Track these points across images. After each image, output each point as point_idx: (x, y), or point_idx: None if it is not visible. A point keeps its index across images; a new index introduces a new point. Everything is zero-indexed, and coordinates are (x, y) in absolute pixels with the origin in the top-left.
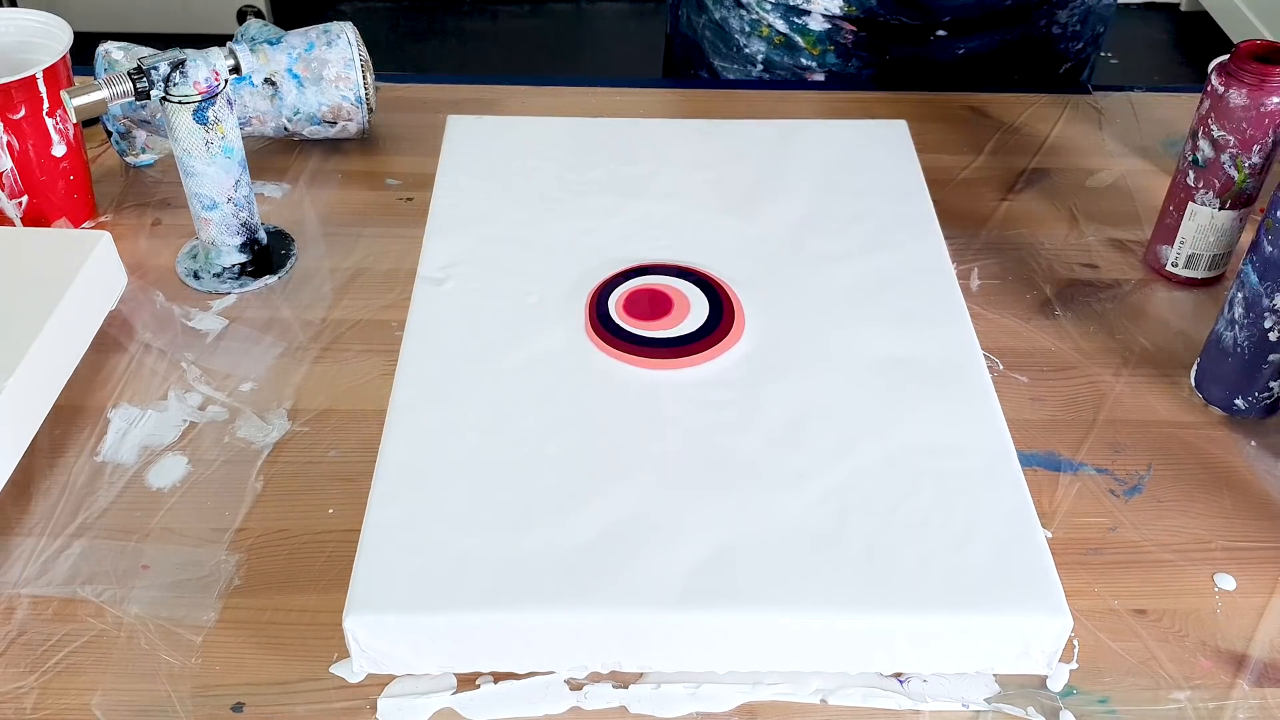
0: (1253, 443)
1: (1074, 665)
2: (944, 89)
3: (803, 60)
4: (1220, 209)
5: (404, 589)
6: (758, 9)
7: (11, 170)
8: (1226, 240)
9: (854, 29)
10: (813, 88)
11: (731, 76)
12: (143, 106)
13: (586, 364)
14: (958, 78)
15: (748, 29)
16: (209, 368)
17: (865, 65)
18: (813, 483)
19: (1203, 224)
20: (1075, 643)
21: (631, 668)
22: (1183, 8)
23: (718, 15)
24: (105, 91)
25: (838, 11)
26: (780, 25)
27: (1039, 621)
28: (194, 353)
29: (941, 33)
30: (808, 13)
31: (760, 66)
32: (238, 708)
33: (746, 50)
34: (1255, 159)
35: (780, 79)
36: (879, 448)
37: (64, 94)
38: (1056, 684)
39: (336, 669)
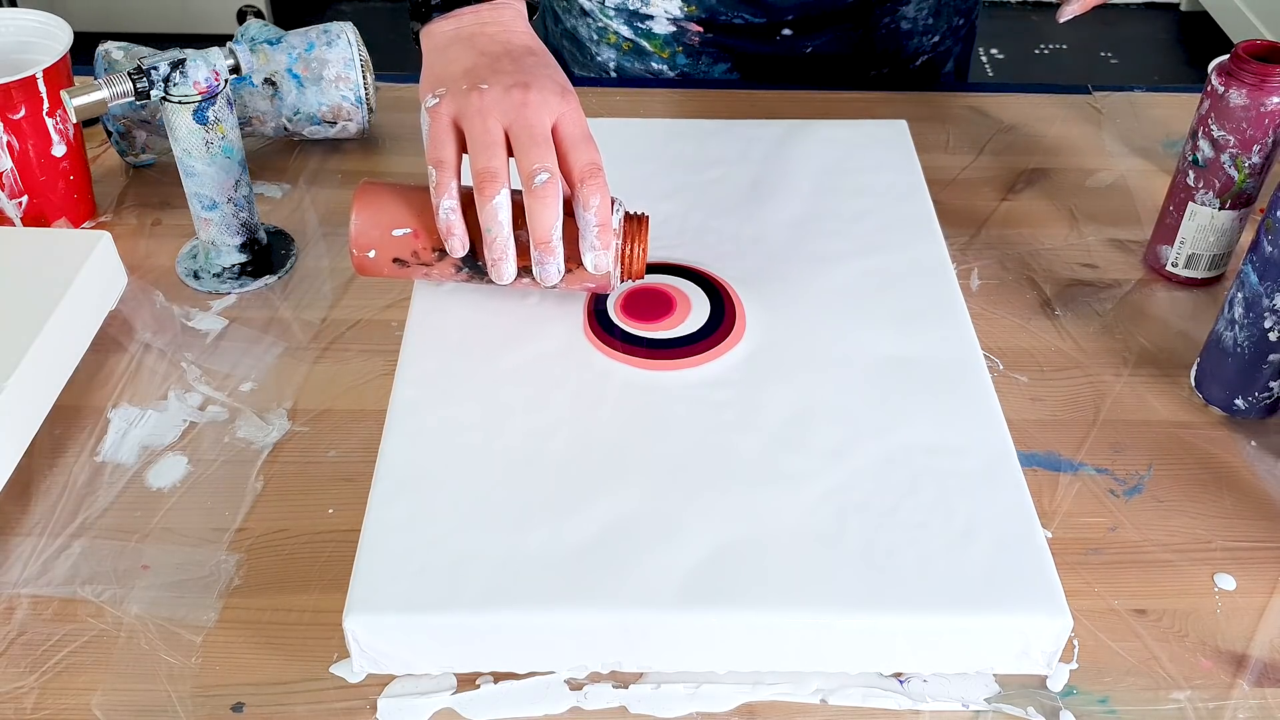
0: (1253, 443)
1: (1074, 665)
2: (800, 86)
3: (653, 65)
4: (1220, 209)
5: (404, 589)
6: (602, 16)
7: (11, 170)
8: (1226, 240)
9: (700, 30)
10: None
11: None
12: (143, 106)
13: (586, 364)
14: (813, 75)
15: (596, 37)
16: (209, 368)
17: (716, 62)
18: (813, 483)
19: (1203, 224)
20: (1075, 643)
21: (631, 668)
22: (1183, 8)
23: (568, 24)
24: (105, 91)
25: (679, 13)
26: (626, 31)
27: (1039, 621)
28: (194, 353)
29: (787, 31)
30: (650, 16)
31: (614, 74)
32: (238, 708)
33: (599, 58)
34: (1255, 159)
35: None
36: (879, 448)
37: (64, 94)
38: (1056, 684)
39: (336, 669)
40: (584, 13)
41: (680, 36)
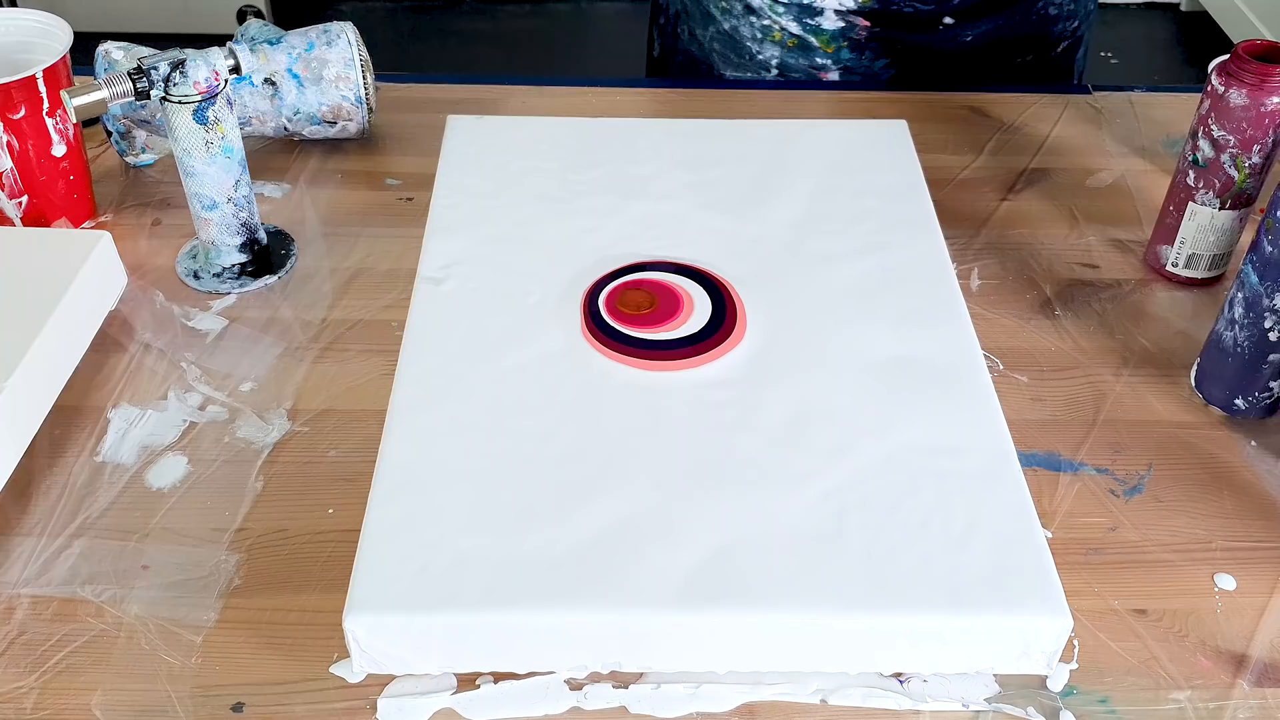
0: (1253, 443)
1: (1074, 665)
2: (954, 78)
3: (817, 60)
4: (1220, 209)
5: (404, 589)
6: (770, 14)
7: (11, 170)
8: (1226, 240)
9: (867, 24)
10: (816, 87)
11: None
12: (143, 106)
13: (586, 364)
14: (967, 66)
15: (760, 35)
16: (209, 368)
17: (878, 57)
18: (813, 483)
19: (1203, 224)
20: (1075, 643)
21: (631, 668)
22: (1183, 8)
23: (727, 25)
24: (105, 91)
25: (852, 5)
26: (794, 28)
27: (1039, 621)
28: (194, 353)
29: (949, 20)
30: (820, 12)
31: (775, 71)
32: (238, 708)
33: (760, 56)
34: (1255, 159)
35: (795, 81)
36: (879, 448)
37: (64, 94)
38: (1056, 684)
39: (336, 669)
40: (750, 11)
41: (848, 31)
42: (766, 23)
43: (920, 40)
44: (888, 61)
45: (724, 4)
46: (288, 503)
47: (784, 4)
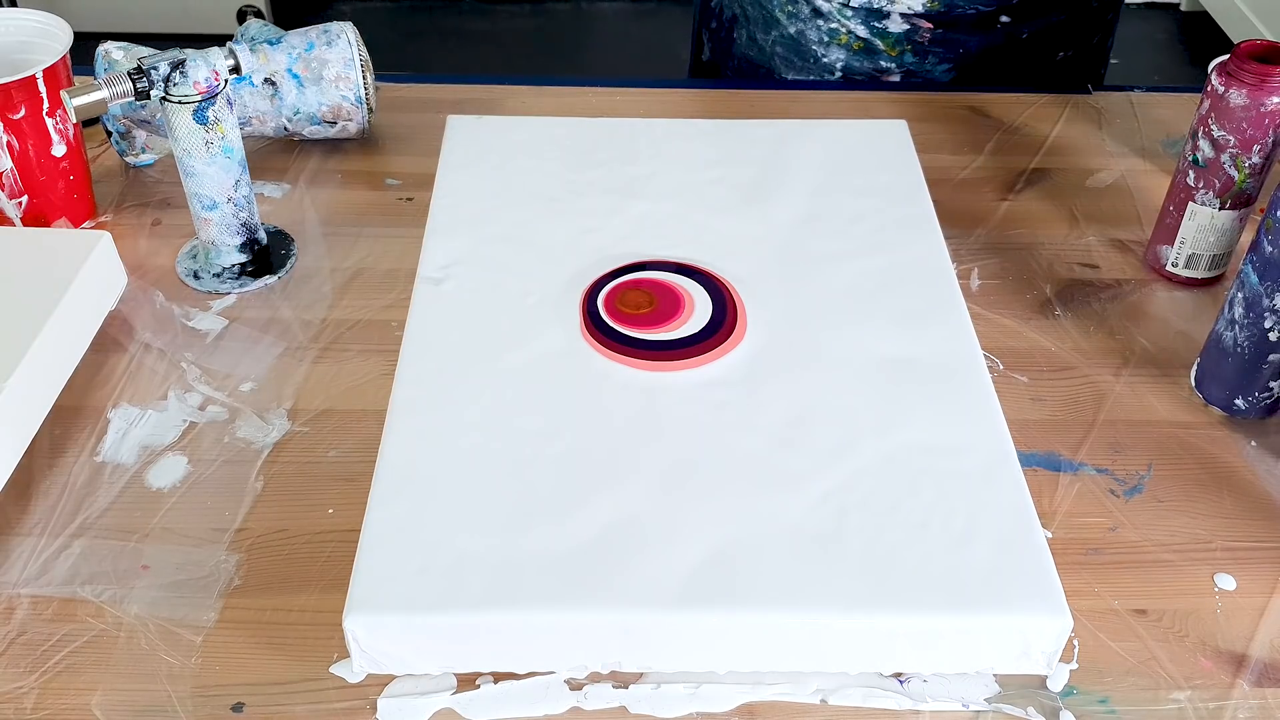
0: (1253, 443)
1: (1074, 665)
2: (1005, 78)
3: (881, 63)
4: (1220, 209)
5: (404, 589)
6: (838, 17)
7: (11, 170)
8: (1226, 240)
9: (930, 26)
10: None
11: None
12: (143, 106)
13: (586, 364)
14: (1017, 64)
15: (826, 39)
16: (209, 368)
17: (940, 61)
18: (813, 483)
19: (1203, 224)
20: (1075, 643)
21: (631, 668)
22: (1183, 8)
23: (792, 29)
24: (105, 91)
25: (918, 8)
26: (861, 31)
27: (1039, 621)
28: (194, 353)
29: (1005, 19)
30: (887, 15)
31: (839, 74)
32: (238, 708)
33: (825, 60)
34: (1255, 159)
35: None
36: (879, 448)
37: (64, 94)
38: (1056, 684)
39: (336, 669)
40: (817, 14)
41: (911, 35)
42: (834, 26)
43: (979, 41)
44: (949, 65)
45: (790, 8)
46: (288, 503)
47: (853, 7)
